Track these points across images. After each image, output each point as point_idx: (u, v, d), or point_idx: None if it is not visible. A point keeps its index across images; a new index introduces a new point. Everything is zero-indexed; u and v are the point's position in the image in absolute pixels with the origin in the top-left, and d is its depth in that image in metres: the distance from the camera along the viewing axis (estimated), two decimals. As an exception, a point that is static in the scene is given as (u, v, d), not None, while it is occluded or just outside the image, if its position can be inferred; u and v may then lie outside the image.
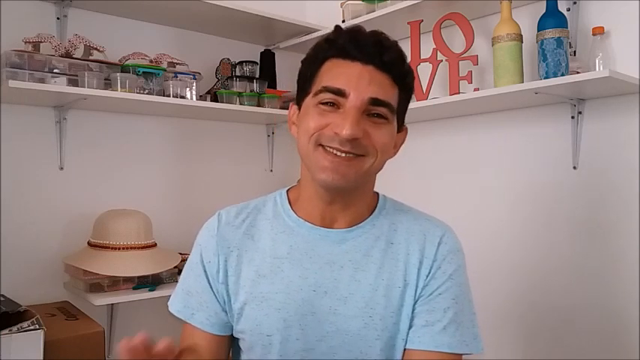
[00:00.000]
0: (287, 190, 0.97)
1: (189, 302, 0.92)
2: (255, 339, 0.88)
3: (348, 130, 0.80)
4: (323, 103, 0.84)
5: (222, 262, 0.90)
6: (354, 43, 0.85)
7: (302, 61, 0.92)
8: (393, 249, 0.90)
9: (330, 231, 0.90)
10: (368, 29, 0.89)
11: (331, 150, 0.83)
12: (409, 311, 0.88)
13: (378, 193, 0.98)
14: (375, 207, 0.95)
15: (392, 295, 0.88)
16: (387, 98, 0.84)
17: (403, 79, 0.88)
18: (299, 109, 0.91)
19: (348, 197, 0.89)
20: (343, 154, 0.83)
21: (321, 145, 0.84)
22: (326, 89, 0.84)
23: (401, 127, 0.92)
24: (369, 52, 0.84)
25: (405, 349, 0.88)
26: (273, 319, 0.87)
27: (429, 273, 0.89)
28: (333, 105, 0.84)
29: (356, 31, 0.87)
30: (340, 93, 0.83)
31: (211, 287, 0.91)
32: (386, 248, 0.90)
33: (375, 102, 0.83)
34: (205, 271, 0.91)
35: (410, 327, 0.88)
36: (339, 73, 0.84)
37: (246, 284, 0.89)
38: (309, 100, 0.87)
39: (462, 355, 0.87)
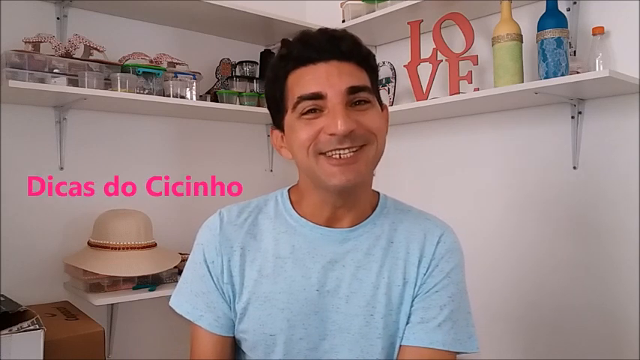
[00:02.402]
0: (288, 190, 0.97)
1: (197, 304, 0.91)
2: (258, 339, 0.88)
3: (341, 125, 0.80)
4: (305, 113, 0.83)
5: (225, 262, 0.90)
6: (308, 47, 0.84)
7: (265, 86, 0.92)
8: (394, 248, 0.91)
9: (332, 230, 0.90)
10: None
11: (333, 154, 0.82)
12: (407, 309, 0.88)
13: (378, 193, 0.98)
14: (376, 206, 0.95)
15: (392, 294, 0.88)
16: (362, 82, 0.84)
17: (366, 61, 0.87)
18: (281, 131, 0.90)
19: (355, 195, 0.89)
20: (346, 153, 0.82)
21: (321, 153, 0.83)
22: (302, 98, 0.83)
23: (381, 107, 0.92)
24: (326, 48, 0.83)
25: (400, 346, 0.88)
26: (277, 319, 0.87)
27: (427, 271, 0.89)
28: (316, 111, 0.83)
29: (305, 36, 0.86)
30: (318, 96, 0.82)
31: (217, 288, 0.90)
32: (387, 247, 0.90)
33: (354, 89, 0.83)
34: (210, 272, 0.90)
35: (406, 324, 0.88)
36: (307, 80, 0.83)
37: (249, 284, 0.89)
38: (289, 118, 0.86)
39: (456, 353, 0.87)
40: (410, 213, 0.96)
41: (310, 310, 0.87)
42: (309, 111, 0.83)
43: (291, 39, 0.88)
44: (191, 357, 0.92)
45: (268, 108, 0.93)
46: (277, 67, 0.88)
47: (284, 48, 0.88)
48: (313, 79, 0.83)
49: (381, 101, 0.92)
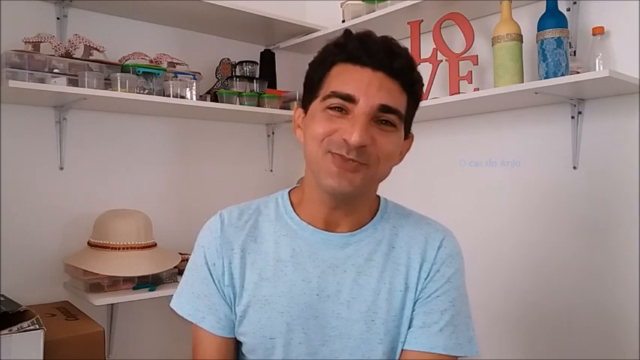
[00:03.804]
0: (288, 192, 0.97)
1: (198, 306, 0.91)
2: (257, 341, 0.88)
3: (356, 137, 0.79)
4: (331, 108, 0.83)
5: (226, 264, 0.90)
6: (364, 49, 0.83)
7: (310, 64, 0.91)
8: (395, 253, 0.91)
9: (333, 235, 0.90)
10: (367, 29, 0.88)
11: (338, 155, 0.82)
12: (409, 314, 0.88)
13: (379, 197, 0.98)
14: (377, 211, 0.95)
15: (394, 299, 0.88)
16: (396, 105, 0.83)
17: (412, 86, 0.87)
18: (304, 111, 0.90)
19: (352, 203, 0.89)
20: (350, 161, 0.82)
21: (329, 152, 0.83)
22: (335, 94, 0.82)
23: (407, 135, 0.91)
24: (380, 58, 0.83)
25: (402, 350, 0.88)
26: (276, 322, 0.87)
27: (428, 276, 0.89)
28: (341, 110, 0.83)
29: (367, 37, 0.85)
30: (349, 99, 0.81)
31: (218, 290, 0.90)
32: (388, 252, 0.90)
33: (385, 109, 0.82)
34: (211, 274, 0.90)
35: (408, 328, 0.88)
36: (348, 79, 0.83)
37: (249, 287, 0.89)
38: (316, 105, 0.86)
39: (456, 357, 0.87)
40: (411, 217, 0.96)
41: (310, 315, 0.87)
42: (336, 108, 0.83)
43: (354, 32, 0.87)
44: (194, 358, 0.92)
45: (304, 85, 0.91)
46: (329, 52, 0.87)
47: (343, 37, 0.87)
48: (354, 80, 0.82)
49: (410, 129, 0.92)
